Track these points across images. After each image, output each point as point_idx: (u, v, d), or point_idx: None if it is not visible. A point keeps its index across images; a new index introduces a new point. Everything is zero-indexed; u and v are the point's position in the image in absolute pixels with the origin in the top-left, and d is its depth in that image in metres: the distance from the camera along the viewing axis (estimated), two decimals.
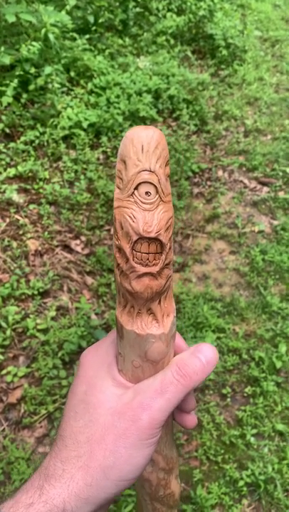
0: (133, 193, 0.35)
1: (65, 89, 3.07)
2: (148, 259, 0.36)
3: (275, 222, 2.69)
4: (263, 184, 2.99)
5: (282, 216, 2.73)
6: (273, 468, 1.54)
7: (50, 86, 2.86)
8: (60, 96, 2.98)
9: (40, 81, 2.80)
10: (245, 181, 3.00)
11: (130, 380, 0.41)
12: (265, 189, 2.95)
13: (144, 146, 0.35)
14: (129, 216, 0.35)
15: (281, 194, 2.90)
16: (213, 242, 2.54)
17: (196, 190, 2.88)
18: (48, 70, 2.75)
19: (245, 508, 1.48)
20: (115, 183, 0.37)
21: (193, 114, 3.38)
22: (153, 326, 0.39)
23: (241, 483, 1.51)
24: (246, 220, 2.70)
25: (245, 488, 1.51)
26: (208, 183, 2.95)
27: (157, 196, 0.36)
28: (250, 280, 2.29)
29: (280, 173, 3.04)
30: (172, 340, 0.42)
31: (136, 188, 0.35)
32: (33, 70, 2.81)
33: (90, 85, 3.14)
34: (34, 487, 0.36)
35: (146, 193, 0.35)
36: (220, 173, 3.05)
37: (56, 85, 2.87)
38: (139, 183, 0.35)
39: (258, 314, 2.10)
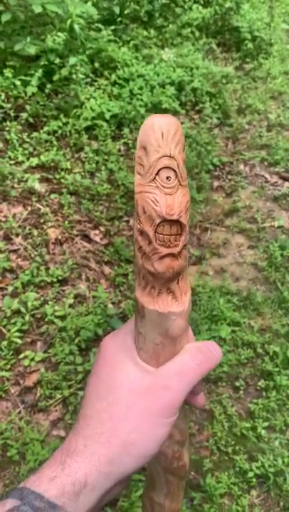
0: (155, 178, 0.37)
1: (88, 80, 3.09)
2: (170, 240, 0.38)
3: None
4: (285, 179, 2.97)
5: None
6: (283, 462, 1.55)
7: (74, 77, 2.88)
8: (84, 87, 3.00)
9: (64, 71, 2.83)
10: (267, 176, 2.98)
11: (151, 356, 0.43)
12: (287, 184, 2.93)
13: (164, 133, 0.36)
14: (152, 200, 0.37)
15: None
16: (231, 236, 2.54)
17: (216, 184, 2.88)
18: (72, 60, 2.77)
19: (254, 499, 1.50)
20: (136, 170, 0.38)
21: (216, 107, 3.36)
22: (173, 304, 0.41)
23: (251, 474, 1.52)
24: (266, 214, 2.69)
25: (254, 480, 1.52)
26: (229, 176, 2.95)
27: (176, 180, 0.37)
28: (267, 275, 2.28)
29: None
30: (189, 317, 0.44)
31: (157, 174, 0.37)
32: (57, 61, 2.84)
33: (113, 76, 3.15)
34: (57, 462, 0.38)
35: (167, 177, 0.37)
36: (241, 167, 3.03)
37: (80, 76, 2.89)
38: (161, 169, 0.37)
39: (274, 309, 2.10)
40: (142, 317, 0.42)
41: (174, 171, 0.37)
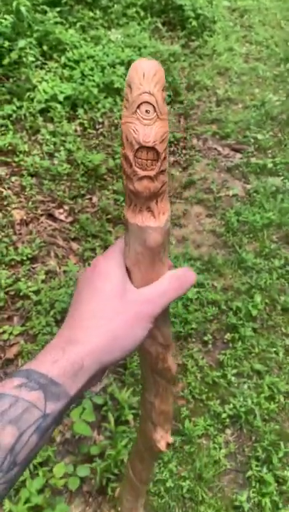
0: (136, 111, 0.45)
1: (38, 63, 3.10)
2: (146, 164, 0.46)
3: (248, 186, 2.83)
4: (236, 151, 3.12)
5: (255, 180, 2.86)
6: (253, 402, 1.71)
7: (24, 60, 2.88)
8: (35, 70, 3.01)
9: (14, 55, 2.83)
10: (219, 148, 3.12)
11: (133, 263, 0.52)
12: (238, 155, 3.08)
13: (146, 74, 0.44)
14: (133, 130, 0.45)
15: (253, 160, 3.04)
16: (190, 207, 2.66)
17: (172, 159, 2.99)
18: (21, 43, 2.78)
19: (229, 437, 1.65)
20: (123, 104, 0.46)
21: (166, 85, 3.44)
22: (151, 221, 0.50)
23: (224, 415, 1.67)
24: (221, 185, 2.83)
25: (227, 420, 1.67)
26: (184, 151, 3.06)
27: (155, 114, 0.45)
28: (226, 240, 2.43)
29: (252, 140, 3.17)
30: (167, 235, 0.52)
31: (138, 107, 0.44)
32: (6, 44, 2.83)
33: (63, 59, 3.18)
34: (57, 349, 0.45)
35: (146, 111, 0.44)
36: (194, 141, 3.15)
37: (30, 59, 2.90)
38: (141, 103, 0.44)
39: (235, 270, 2.25)
40: (126, 230, 0.52)
41: (153, 106, 0.44)
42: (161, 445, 0.77)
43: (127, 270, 0.53)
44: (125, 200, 0.51)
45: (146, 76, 0.44)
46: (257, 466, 1.56)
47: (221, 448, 1.60)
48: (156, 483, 1.51)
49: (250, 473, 1.54)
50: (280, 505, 1.47)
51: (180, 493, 1.50)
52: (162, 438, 0.77)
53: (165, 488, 1.50)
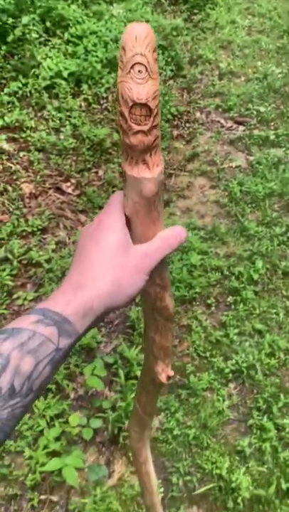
0: (129, 71, 0.50)
1: (42, 39, 3.14)
2: (140, 120, 0.51)
3: (251, 158, 2.88)
4: (239, 123, 3.16)
5: (257, 152, 2.92)
6: (254, 358, 1.81)
7: (28, 37, 2.92)
8: (39, 47, 3.05)
9: (17, 32, 2.87)
10: (222, 121, 3.16)
11: (132, 212, 0.58)
12: (241, 128, 3.13)
13: (137, 37, 0.49)
14: (127, 88, 0.50)
15: (256, 132, 3.08)
16: (194, 179, 2.73)
17: (175, 132, 3.04)
18: (25, 19, 2.82)
19: (232, 390, 1.76)
20: (119, 66, 0.52)
21: (169, 59, 3.48)
22: (146, 172, 0.55)
23: (227, 370, 1.78)
24: (224, 157, 2.89)
25: (230, 375, 1.78)
26: (187, 124, 3.11)
27: (147, 74, 0.50)
28: (229, 210, 2.50)
29: (254, 112, 3.21)
30: (161, 186, 0.57)
31: (132, 68, 0.49)
32: (10, 21, 2.87)
33: (66, 35, 3.21)
34: (69, 292, 0.50)
35: (139, 71, 0.49)
36: (198, 114, 3.20)
37: (34, 35, 2.94)
38: (134, 64, 0.49)
39: (237, 238, 2.33)
40: (124, 181, 0.57)
41: (145, 66, 0.49)
42: (162, 377, 0.86)
43: (127, 219, 0.58)
44: (123, 155, 0.56)
45: (138, 39, 0.48)
46: (258, 415, 1.67)
47: (224, 400, 1.71)
48: (164, 431, 1.63)
49: (251, 421, 1.66)
50: (279, 449, 1.58)
51: (186, 440, 1.61)
52: (163, 371, 0.86)
53: (172, 435, 1.62)
